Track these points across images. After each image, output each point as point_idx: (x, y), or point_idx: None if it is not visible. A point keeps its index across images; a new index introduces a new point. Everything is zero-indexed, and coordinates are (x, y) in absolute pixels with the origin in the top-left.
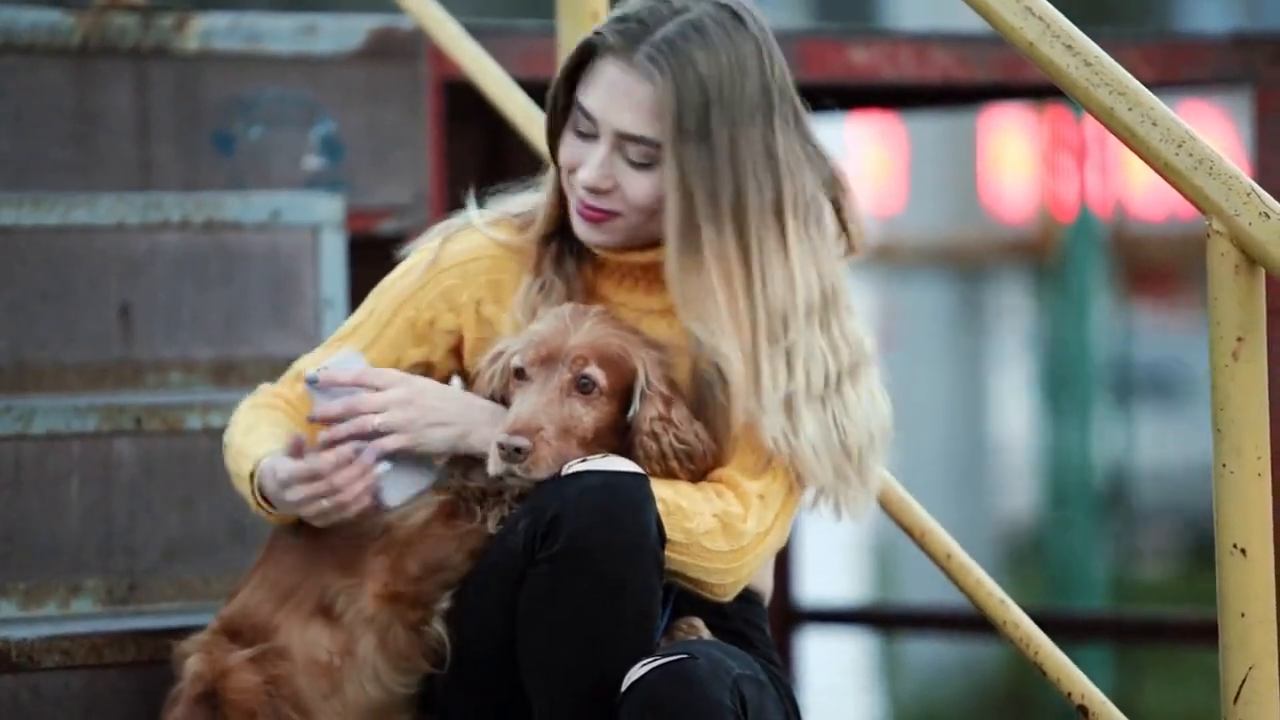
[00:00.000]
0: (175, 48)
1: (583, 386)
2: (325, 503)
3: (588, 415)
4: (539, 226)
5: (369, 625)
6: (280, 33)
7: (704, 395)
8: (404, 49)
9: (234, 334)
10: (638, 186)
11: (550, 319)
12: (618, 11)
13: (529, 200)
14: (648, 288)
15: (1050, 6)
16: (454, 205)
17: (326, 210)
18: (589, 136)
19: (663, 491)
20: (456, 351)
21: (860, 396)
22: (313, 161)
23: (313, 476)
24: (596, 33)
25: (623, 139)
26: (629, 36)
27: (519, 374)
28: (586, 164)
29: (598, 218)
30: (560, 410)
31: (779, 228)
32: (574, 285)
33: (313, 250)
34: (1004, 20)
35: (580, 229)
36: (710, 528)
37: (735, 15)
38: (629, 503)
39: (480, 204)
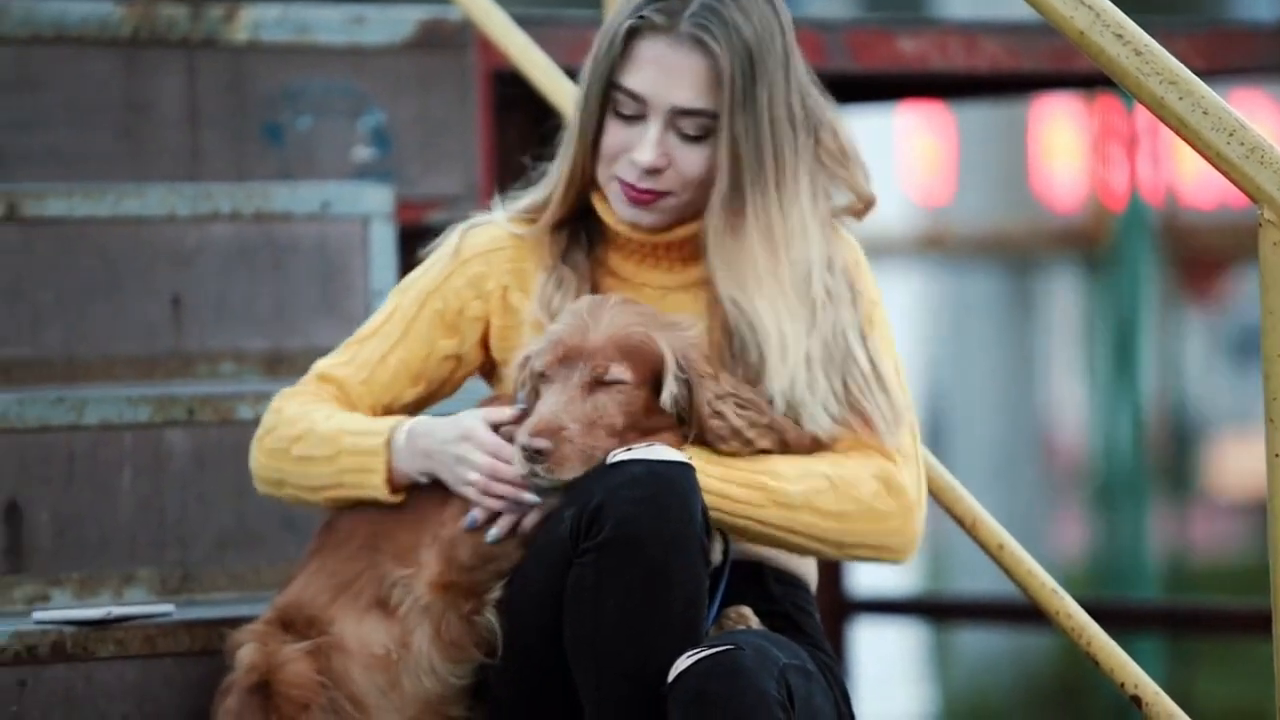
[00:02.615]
0: (224, 39)
1: (606, 381)
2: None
3: (614, 405)
4: (550, 214)
5: (424, 615)
6: (329, 23)
7: (733, 360)
8: (452, 39)
9: (284, 325)
10: (691, 160)
11: (568, 316)
12: None
13: (535, 193)
14: (669, 265)
15: None
16: (503, 195)
17: (376, 201)
18: (634, 119)
19: (821, 467)
20: (484, 343)
21: (851, 347)
22: (362, 152)
23: (494, 475)
24: (639, 16)
25: (677, 114)
26: (668, 13)
27: (542, 377)
28: (640, 146)
29: (648, 199)
30: (583, 407)
31: (802, 185)
32: (584, 273)
33: (362, 241)
34: (1054, 9)
35: (626, 213)
36: (875, 490)
37: None
38: (674, 491)
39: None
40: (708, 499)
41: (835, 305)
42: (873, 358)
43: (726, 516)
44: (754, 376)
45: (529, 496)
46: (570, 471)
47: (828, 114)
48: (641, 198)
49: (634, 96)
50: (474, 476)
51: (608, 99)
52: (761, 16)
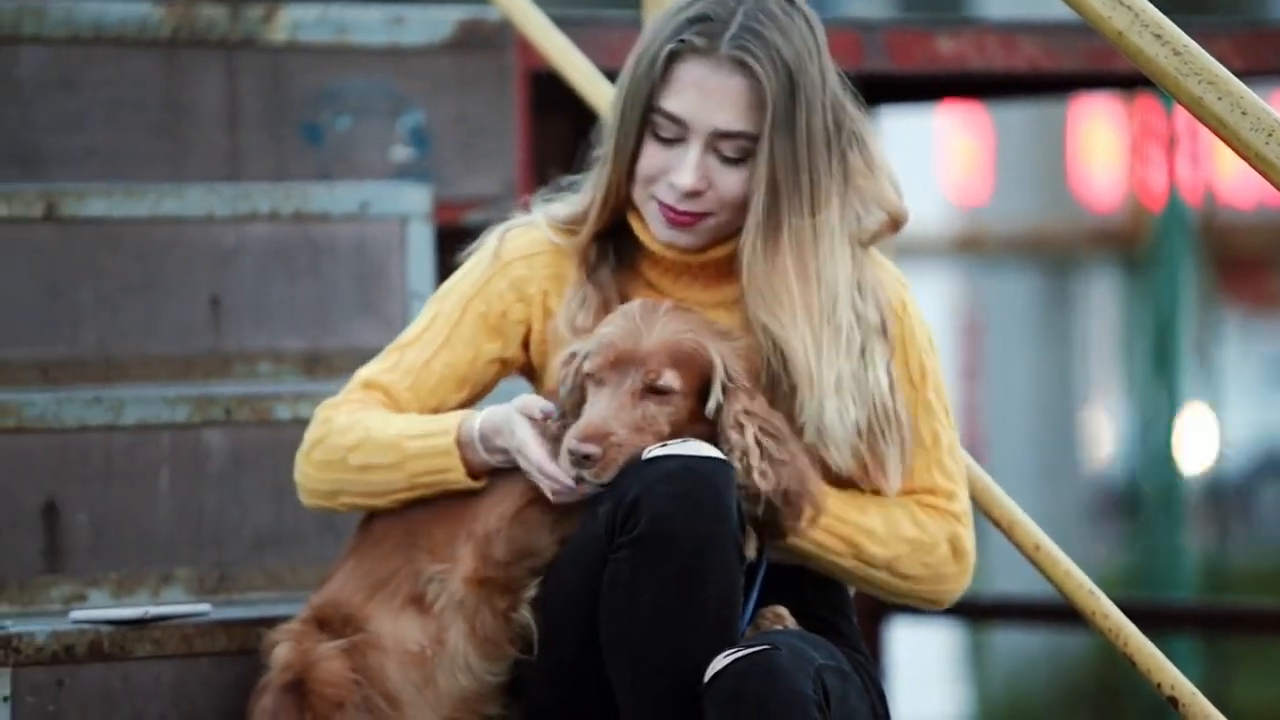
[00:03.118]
0: (263, 39)
1: (657, 389)
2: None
3: (662, 414)
4: (586, 230)
5: (459, 610)
6: (368, 24)
7: (769, 388)
8: (491, 40)
9: (322, 325)
10: (732, 182)
11: (620, 319)
12: (683, 15)
13: (573, 203)
14: (705, 283)
15: None
16: (538, 195)
17: (414, 201)
18: (673, 141)
19: (906, 530)
20: (526, 345)
21: (877, 375)
22: (400, 152)
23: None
24: (680, 40)
25: (717, 137)
26: (709, 35)
27: (592, 378)
28: (679, 169)
29: (688, 221)
30: (633, 414)
31: (834, 205)
32: (609, 291)
33: (400, 241)
34: (1092, 9)
35: (665, 234)
36: (945, 555)
37: None
38: (709, 486)
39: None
40: (802, 538)
41: (863, 331)
42: (894, 393)
43: (809, 551)
44: (783, 403)
45: (568, 483)
46: (612, 475)
47: (860, 126)
48: (681, 219)
49: (674, 119)
50: (548, 485)
51: (646, 121)
52: (800, 35)
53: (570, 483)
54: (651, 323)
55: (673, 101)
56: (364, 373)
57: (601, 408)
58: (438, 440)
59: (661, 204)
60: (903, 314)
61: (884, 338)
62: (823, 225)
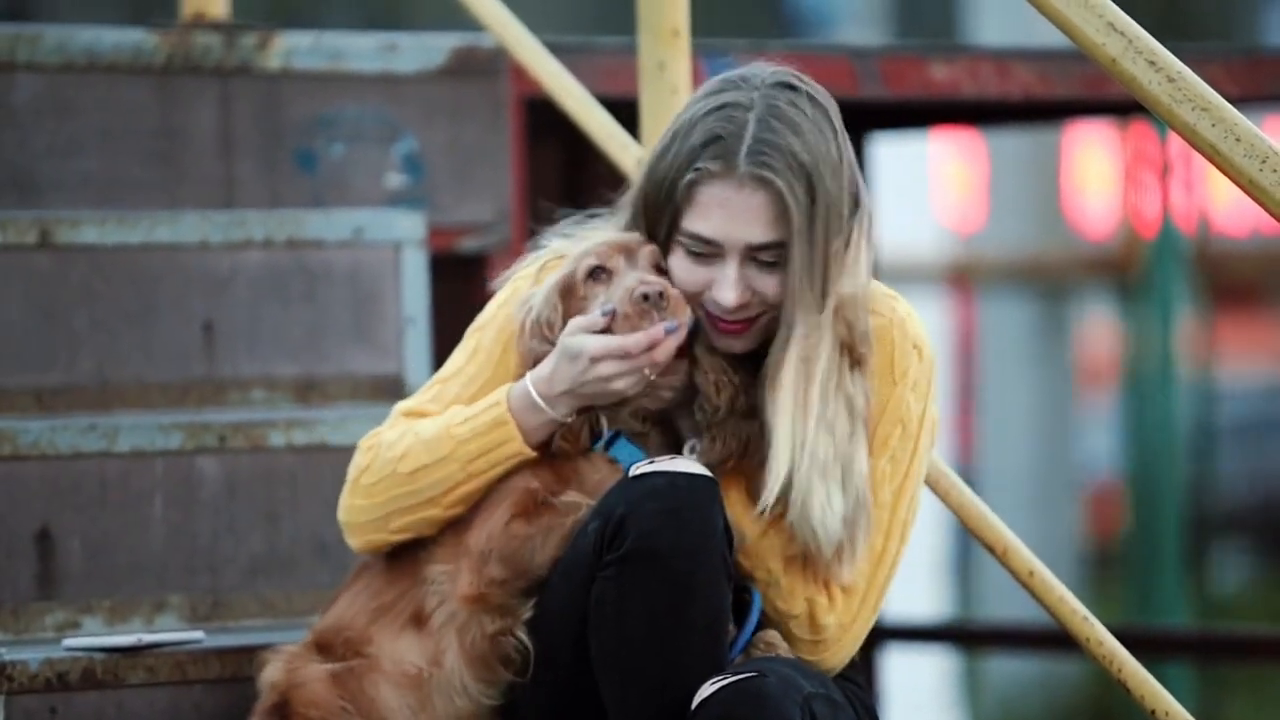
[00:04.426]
0: (258, 66)
1: (661, 269)
2: (637, 374)
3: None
4: None
5: (451, 624)
6: (362, 51)
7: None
8: (485, 67)
9: (316, 351)
10: (774, 284)
11: (599, 235)
12: (693, 140)
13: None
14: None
15: (1133, 22)
16: (535, 222)
17: (408, 228)
18: (707, 257)
19: (774, 562)
20: None
21: (860, 464)
22: (394, 179)
23: (624, 354)
24: (695, 169)
25: (751, 249)
26: (723, 156)
27: (596, 273)
28: (720, 286)
29: (740, 329)
30: (662, 278)
31: (842, 291)
32: None
33: (394, 267)
34: (1086, 36)
35: (720, 342)
36: (798, 614)
37: (791, 87)
38: (694, 503)
39: (559, 225)
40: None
41: (852, 418)
42: (874, 483)
43: None
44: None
45: (666, 325)
46: (685, 314)
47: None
48: (733, 328)
49: (705, 240)
50: (618, 365)
51: (675, 241)
52: (814, 124)
53: (661, 329)
54: (622, 235)
55: (701, 225)
56: (405, 404)
57: (638, 271)
58: (488, 414)
59: (710, 315)
60: (900, 379)
61: (864, 425)
62: (827, 316)
